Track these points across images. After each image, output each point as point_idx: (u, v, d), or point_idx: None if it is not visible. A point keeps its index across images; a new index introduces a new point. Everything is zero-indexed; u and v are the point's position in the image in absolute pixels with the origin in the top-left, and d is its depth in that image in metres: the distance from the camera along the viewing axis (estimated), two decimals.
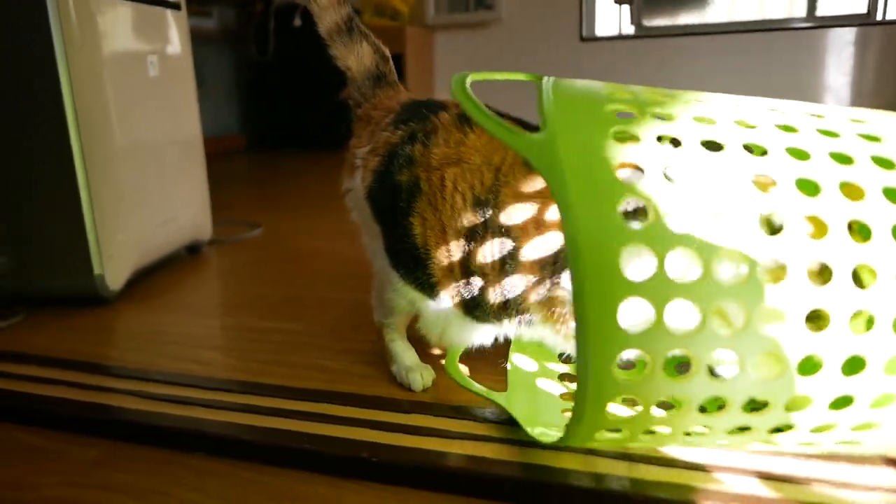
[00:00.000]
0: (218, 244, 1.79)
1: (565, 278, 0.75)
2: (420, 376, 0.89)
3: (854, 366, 0.56)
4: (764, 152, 0.57)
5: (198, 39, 1.74)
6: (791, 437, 0.62)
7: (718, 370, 0.58)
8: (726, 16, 3.92)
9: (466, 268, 0.81)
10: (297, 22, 4.33)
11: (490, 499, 0.68)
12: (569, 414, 0.79)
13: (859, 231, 0.55)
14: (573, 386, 0.88)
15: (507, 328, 0.85)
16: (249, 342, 1.09)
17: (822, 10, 3.73)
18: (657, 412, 0.59)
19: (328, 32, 0.99)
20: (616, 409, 0.62)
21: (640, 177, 0.56)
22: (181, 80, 1.58)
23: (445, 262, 0.82)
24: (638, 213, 0.57)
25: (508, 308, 0.80)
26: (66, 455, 0.79)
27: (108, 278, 1.28)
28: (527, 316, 0.80)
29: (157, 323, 1.20)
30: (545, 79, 0.66)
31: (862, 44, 3.69)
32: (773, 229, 0.56)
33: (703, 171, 0.56)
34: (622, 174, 0.56)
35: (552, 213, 0.75)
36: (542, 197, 0.76)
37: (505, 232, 0.77)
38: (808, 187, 0.56)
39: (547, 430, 0.74)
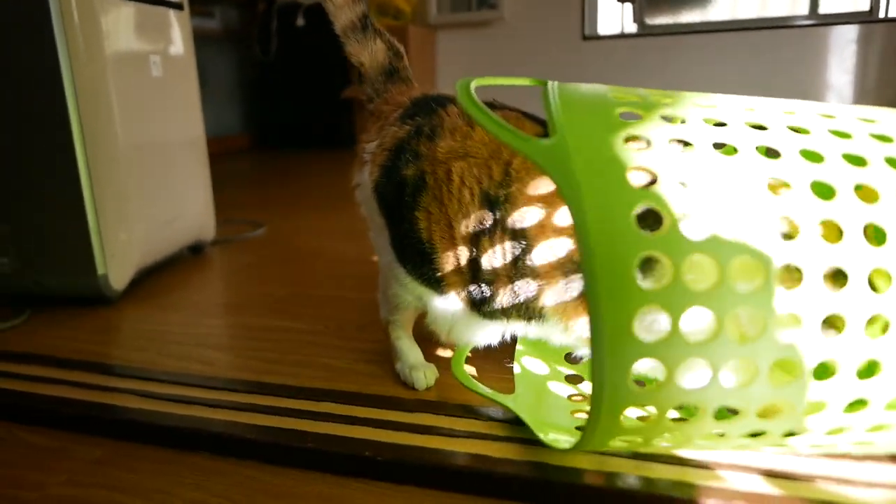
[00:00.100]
0: (221, 244, 1.80)
1: (579, 279, 0.74)
2: (423, 375, 0.89)
3: (869, 370, 0.55)
4: (777, 155, 0.56)
5: (200, 39, 1.74)
6: (806, 439, 0.61)
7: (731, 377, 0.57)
8: (729, 14, 3.91)
9: (475, 264, 0.80)
10: (300, 22, 4.34)
11: (496, 497, 0.68)
12: (579, 415, 0.80)
13: (874, 234, 0.55)
14: (581, 387, 0.88)
15: (515, 326, 0.85)
16: (253, 341, 1.09)
17: (825, 8, 3.73)
18: (672, 415, 0.59)
19: (343, 30, 1.00)
20: (631, 416, 0.62)
21: (654, 182, 0.55)
22: (184, 81, 1.58)
23: (452, 257, 0.82)
24: (648, 217, 0.56)
25: (518, 305, 0.80)
26: (69, 454, 0.79)
27: (111, 278, 1.28)
28: (536, 313, 0.79)
29: (160, 322, 1.20)
30: (550, 83, 0.66)
31: (864, 42, 3.68)
32: (788, 234, 0.55)
33: (717, 175, 0.55)
34: (635, 179, 0.55)
35: (567, 212, 0.75)
36: (557, 195, 0.76)
37: (518, 229, 0.77)
38: (823, 190, 0.55)
39: (558, 435, 0.74)
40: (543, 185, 0.76)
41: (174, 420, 0.82)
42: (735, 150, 0.56)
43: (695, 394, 0.56)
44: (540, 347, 0.96)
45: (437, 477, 0.70)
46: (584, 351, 0.87)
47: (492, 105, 0.84)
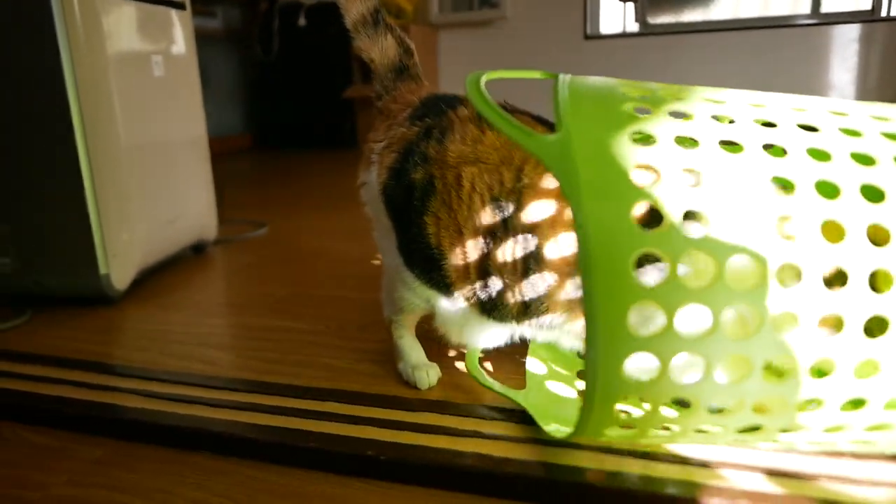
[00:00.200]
0: (223, 243, 1.80)
1: None
2: (426, 374, 0.89)
3: (867, 369, 0.55)
4: (784, 153, 0.56)
5: (202, 39, 1.74)
6: (803, 436, 0.61)
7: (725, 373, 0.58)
8: (731, 13, 3.90)
9: (485, 269, 0.79)
10: (302, 21, 4.34)
11: (500, 497, 0.68)
12: None
13: (876, 233, 0.54)
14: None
15: (524, 329, 0.84)
16: (254, 341, 1.09)
17: (827, 7, 3.72)
18: (667, 412, 0.59)
19: (353, 24, 0.98)
20: (624, 407, 0.63)
21: (657, 179, 0.55)
22: (186, 80, 1.58)
23: (461, 263, 0.81)
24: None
25: (528, 309, 0.79)
26: (71, 454, 0.79)
27: (113, 278, 1.28)
28: (546, 317, 0.79)
29: (162, 322, 1.20)
30: (561, 76, 0.66)
31: (866, 41, 3.67)
32: (790, 233, 0.55)
33: (720, 173, 0.55)
34: (637, 176, 0.55)
35: None
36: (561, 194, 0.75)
37: (528, 232, 0.76)
38: (828, 190, 0.55)
39: (560, 426, 0.74)
40: (555, 191, 0.76)
41: (176, 420, 0.82)
42: (741, 148, 0.56)
43: (688, 388, 0.57)
44: (550, 352, 0.96)
45: (441, 476, 0.70)
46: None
47: (503, 106, 0.83)
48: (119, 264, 1.30)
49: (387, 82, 0.99)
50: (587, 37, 4.09)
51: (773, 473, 0.65)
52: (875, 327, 0.54)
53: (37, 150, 1.23)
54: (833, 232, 0.55)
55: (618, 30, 4.09)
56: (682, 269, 0.62)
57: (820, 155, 0.56)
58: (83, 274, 1.27)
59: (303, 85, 4.52)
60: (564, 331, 0.80)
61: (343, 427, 0.79)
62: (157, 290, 1.40)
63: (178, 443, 0.80)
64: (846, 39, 3.69)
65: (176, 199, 1.53)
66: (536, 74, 0.74)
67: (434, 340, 0.94)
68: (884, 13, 3.60)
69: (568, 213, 0.75)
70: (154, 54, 1.43)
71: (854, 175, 0.55)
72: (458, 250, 0.81)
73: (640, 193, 0.54)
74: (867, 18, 3.64)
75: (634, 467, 0.68)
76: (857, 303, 0.53)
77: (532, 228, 0.76)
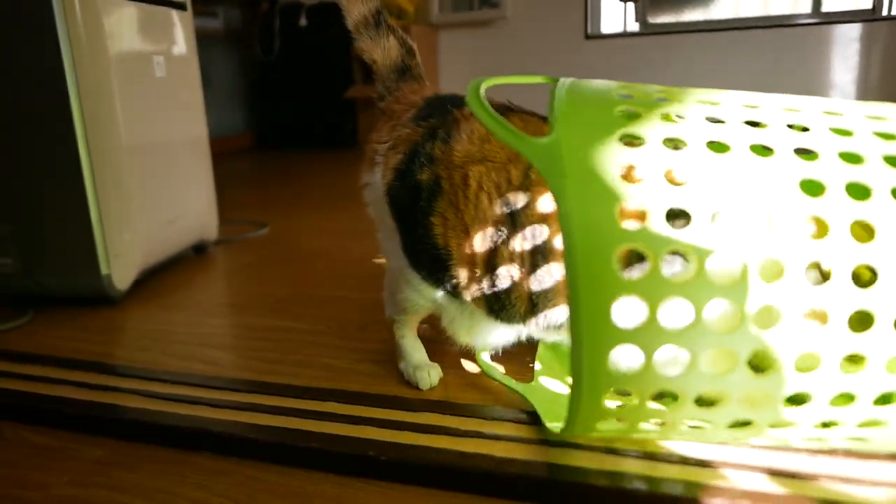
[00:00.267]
0: (224, 244, 1.80)
1: None
2: (427, 374, 0.89)
3: (853, 364, 0.57)
4: (771, 152, 0.58)
5: (203, 39, 1.74)
6: (795, 432, 0.62)
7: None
8: (731, 12, 3.90)
9: (492, 267, 0.79)
10: (303, 22, 4.34)
11: (501, 497, 0.68)
12: None
13: (863, 230, 0.56)
14: None
15: (532, 329, 0.84)
16: (255, 341, 1.09)
17: (828, 7, 3.72)
18: (656, 406, 0.62)
19: (355, 25, 0.98)
20: (613, 400, 0.64)
21: (642, 179, 0.57)
22: (187, 81, 1.58)
23: (468, 263, 0.81)
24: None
25: (535, 306, 0.79)
26: (72, 454, 0.79)
27: (115, 278, 1.29)
28: (552, 315, 0.79)
29: (163, 322, 1.21)
30: (561, 81, 0.68)
31: (867, 40, 3.67)
32: (773, 230, 0.56)
33: (706, 172, 0.57)
34: (623, 176, 0.57)
35: None
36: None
37: (537, 226, 0.76)
38: (813, 188, 0.56)
39: (560, 424, 0.75)
40: None
41: (177, 420, 0.82)
42: (729, 148, 0.58)
43: (673, 380, 0.59)
44: (557, 349, 0.96)
45: (442, 476, 0.70)
46: None
47: (509, 108, 0.83)
48: (120, 264, 1.30)
49: (389, 83, 0.99)
50: (588, 36, 4.09)
51: (775, 473, 0.65)
52: (861, 322, 0.56)
53: (38, 150, 1.23)
54: (818, 228, 0.57)
55: (618, 29, 4.09)
56: (678, 267, 0.64)
57: (806, 154, 0.57)
58: (84, 274, 1.27)
59: (303, 85, 4.52)
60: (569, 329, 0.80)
61: (343, 427, 0.79)
62: (159, 290, 1.40)
63: (178, 443, 0.80)
64: (847, 39, 3.69)
65: (177, 199, 1.53)
66: (538, 79, 0.75)
67: (435, 341, 0.94)
68: (885, 12, 3.60)
69: None
70: (155, 55, 1.43)
71: (840, 173, 0.56)
72: (465, 250, 0.80)
73: (624, 193, 0.57)
74: (868, 18, 3.64)
75: (636, 467, 0.68)
76: (840, 298, 0.55)
77: (541, 222, 0.76)
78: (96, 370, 0.99)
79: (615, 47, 4.08)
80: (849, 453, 0.68)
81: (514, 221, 0.77)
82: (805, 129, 0.60)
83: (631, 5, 4.05)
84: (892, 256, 0.54)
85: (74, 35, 1.18)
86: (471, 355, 0.96)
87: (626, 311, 0.57)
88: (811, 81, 3.77)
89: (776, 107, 0.63)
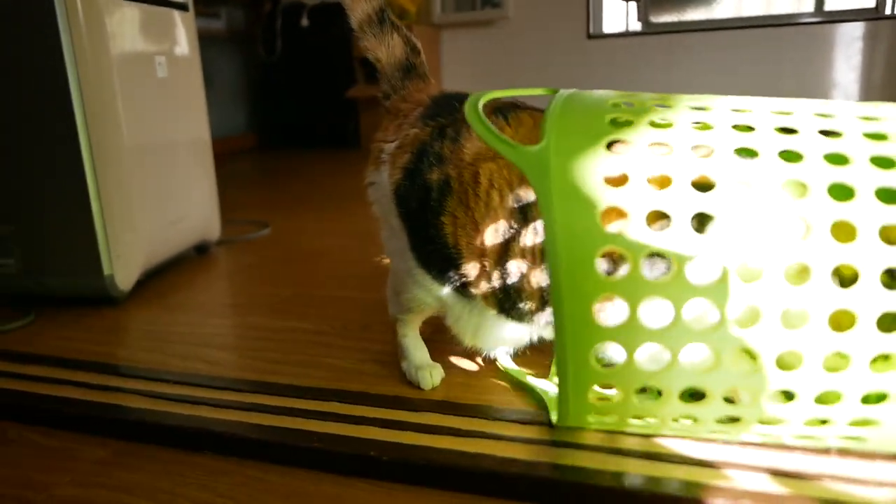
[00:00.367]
0: (226, 244, 1.80)
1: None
2: (429, 375, 0.89)
3: (836, 362, 0.58)
4: (755, 155, 0.60)
5: (205, 40, 1.74)
6: (785, 429, 0.64)
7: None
8: (734, 11, 3.89)
9: (503, 268, 0.79)
10: (305, 22, 4.34)
11: (502, 497, 0.68)
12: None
13: (846, 231, 0.57)
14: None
15: (543, 328, 0.84)
16: (258, 341, 1.09)
17: (830, 5, 3.71)
18: (639, 401, 0.66)
19: (359, 24, 0.97)
20: (599, 393, 0.71)
21: (625, 184, 0.61)
22: (189, 81, 1.58)
23: (479, 261, 0.80)
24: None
25: (546, 305, 0.79)
26: (75, 455, 0.80)
27: (117, 279, 1.29)
28: None
29: (165, 323, 1.21)
30: (560, 91, 0.72)
31: (870, 39, 3.66)
32: (756, 230, 0.59)
33: (689, 176, 0.60)
34: (607, 181, 0.61)
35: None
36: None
37: None
38: (797, 188, 0.59)
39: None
40: None
41: (179, 420, 0.83)
42: (713, 152, 0.61)
43: (655, 375, 0.63)
44: None
45: (444, 477, 0.70)
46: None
47: (515, 105, 0.83)
48: (123, 265, 1.30)
49: (394, 81, 0.99)
50: (590, 36, 4.08)
51: (777, 473, 0.65)
52: (844, 323, 0.58)
53: (40, 150, 1.23)
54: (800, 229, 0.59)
55: (620, 29, 4.08)
56: (663, 268, 0.66)
57: (791, 156, 0.59)
58: (87, 275, 1.27)
59: (306, 85, 4.52)
60: None
61: (346, 427, 0.79)
62: (161, 290, 1.40)
63: (180, 443, 0.80)
64: (850, 38, 3.68)
65: (179, 199, 1.53)
66: (539, 91, 0.80)
67: (437, 341, 0.94)
68: (888, 11, 3.59)
69: None
70: (157, 55, 1.43)
71: (823, 174, 0.58)
72: (476, 248, 0.80)
73: (606, 198, 0.61)
74: (871, 16, 3.63)
75: (637, 467, 0.68)
76: (821, 297, 0.57)
77: None
78: (98, 370, 0.99)
79: (617, 47, 4.08)
80: (850, 453, 0.67)
81: (526, 217, 0.77)
82: (791, 132, 0.62)
83: (633, 5, 4.05)
84: (871, 256, 0.56)
85: (76, 35, 1.18)
86: (472, 355, 0.96)
87: (617, 312, 0.61)
88: (814, 80, 3.77)
89: (766, 111, 0.65)
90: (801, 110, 0.64)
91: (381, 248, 0.97)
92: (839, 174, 0.58)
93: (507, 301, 0.81)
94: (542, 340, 0.90)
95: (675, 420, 0.67)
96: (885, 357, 0.59)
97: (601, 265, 0.69)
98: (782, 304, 0.58)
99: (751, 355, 0.60)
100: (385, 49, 0.98)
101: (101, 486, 0.73)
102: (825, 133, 0.61)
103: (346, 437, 0.76)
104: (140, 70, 1.37)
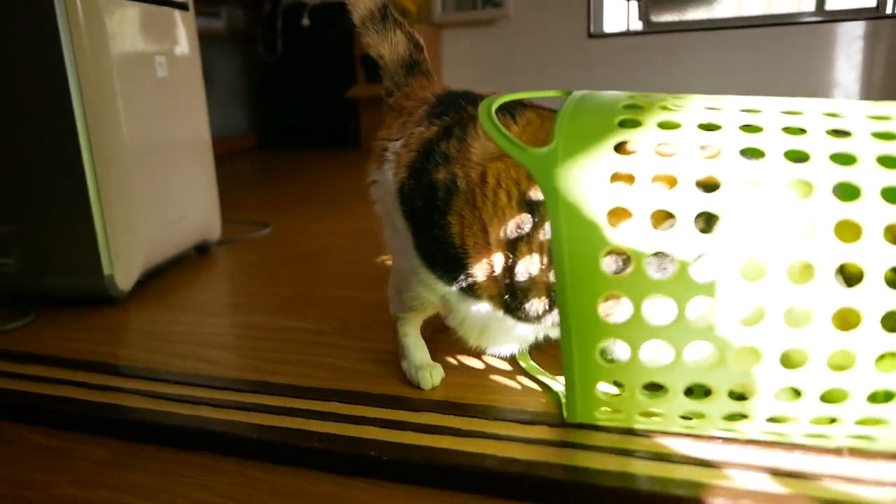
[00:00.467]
0: (227, 244, 1.80)
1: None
2: (429, 374, 0.89)
3: (842, 361, 0.59)
4: (761, 155, 0.61)
5: (206, 39, 1.74)
6: (793, 427, 0.65)
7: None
8: (735, 11, 3.89)
9: (511, 268, 0.79)
10: (305, 21, 4.34)
11: (503, 497, 0.68)
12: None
13: (852, 230, 0.58)
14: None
15: (548, 327, 0.84)
16: (258, 341, 1.09)
17: (831, 5, 3.70)
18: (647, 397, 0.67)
19: (361, 20, 0.97)
20: (606, 390, 0.72)
21: (631, 184, 0.62)
22: (189, 81, 1.58)
23: (486, 261, 0.80)
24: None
25: (553, 304, 0.78)
26: (75, 455, 0.80)
27: (117, 278, 1.29)
28: None
29: (166, 322, 1.21)
30: (574, 93, 0.74)
31: (871, 38, 3.66)
32: (761, 229, 0.59)
33: (694, 176, 0.61)
34: (612, 182, 0.63)
35: None
36: None
37: None
38: (803, 188, 0.59)
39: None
40: None
41: (179, 420, 0.82)
42: (719, 153, 0.62)
43: (659, 372, 0.65)
44: None
45: (444, 476, 0.70)
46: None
47: (521, 104, 0.83)
48: (123, 265, 1.30)
49: (398, 78, 0.98)
50: (591, 35, 4.08)
51: (778, 473, 0.65)
52: (849, 322, 0.58)
53: (40, 150, 1.23)
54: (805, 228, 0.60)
55: (621, 28, 4.08)
56: (672, 268, 0.67)
57: (798, 155, 0.60)
58: (87, 274, 1.27)
59: (306, 85, 4.52)
60: None
61: (346, 427, 0.79)
62: (161, 290, 1.40)
63: (181, 443, 0.80)
64: (851, 37, 3.68)
65: (179, 199, 1.53)
66: (552, 93, 0.81)
67: (437, 341, 0.94)
68: (889, 10, 3.58)
69: None
70: (157, 55, 1.43)
71: (829, 174, 0.59)
72: (482, 249, 0.80)
73: (611, 198, 0.62)
74: (872, 16, 3.62)
75: (639, 468, 0.67)
76: (825, 296, 0.58)
77: None
78: (98, 370, 0.99)
79: (618, 46, 4.07)
80: (852, 453, 0.67)
81: (534, 216, 0.77)
82: (800, 132, 0.62)
83: (634, 4, 4.04)
84: (876, 255, 0.57)
85: (76, 35, 1.18)
86: (473, 355, 0.96)
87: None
88: (815, 79, 3.76)
89: (777, 111, 0.65)
90: (811, 110, 0.64)
91: (381, 247, 0.97)
92: (845, 174, 0.58)
93: (514, 301, 0.81)
94: (548, 340, 0.90)
95: (683, 417, 0.68)
96: (892, 355, 0.59)
97: (610, 264, 0.70)
98: (786, 302, 0.58)
99: (755, 353, 0.60)
100: (388, 46, 0.98)
101: (101, 486, 0.73)
102: (835, 133, 0.61)
103: (346, 437, 0.76)
104: (140, 70, 1.37)
